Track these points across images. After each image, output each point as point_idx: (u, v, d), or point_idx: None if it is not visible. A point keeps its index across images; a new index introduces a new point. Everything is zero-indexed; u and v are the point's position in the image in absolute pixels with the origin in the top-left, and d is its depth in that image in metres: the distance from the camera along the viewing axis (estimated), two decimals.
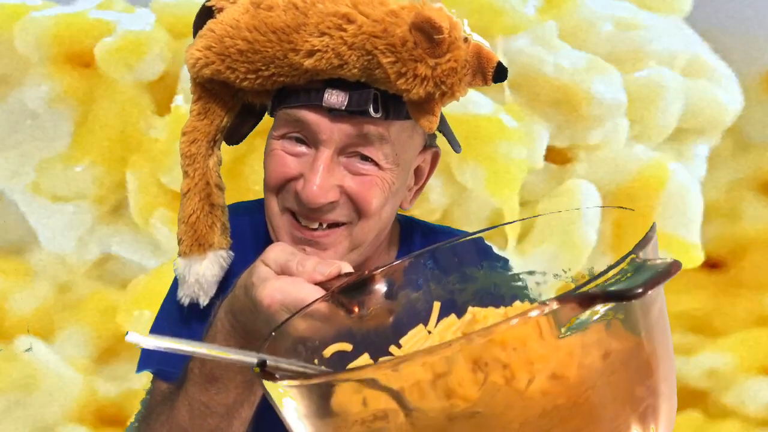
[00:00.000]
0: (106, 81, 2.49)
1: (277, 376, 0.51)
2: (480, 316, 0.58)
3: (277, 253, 0.74)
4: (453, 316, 0.61)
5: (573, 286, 0.61)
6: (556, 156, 2.60)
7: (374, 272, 0.68)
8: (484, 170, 2.38)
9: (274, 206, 0.90)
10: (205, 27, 0.88)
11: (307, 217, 0.88)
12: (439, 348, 0.46)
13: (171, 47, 2.47)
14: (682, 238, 2.47)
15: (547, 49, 2.48)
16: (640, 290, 0.45)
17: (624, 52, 2.62)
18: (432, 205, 2.42)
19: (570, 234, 2.29)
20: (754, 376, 2.72)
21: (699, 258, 2.53)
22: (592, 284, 0.47)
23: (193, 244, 0.92)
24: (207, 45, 0.87)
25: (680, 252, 2.43)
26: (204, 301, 0.92)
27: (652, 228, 0.53)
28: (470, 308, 0.59)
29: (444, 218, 2.46)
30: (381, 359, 0.57)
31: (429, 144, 0.95)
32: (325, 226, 0.89)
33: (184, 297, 0.93)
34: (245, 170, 2.31)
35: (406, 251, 0.98)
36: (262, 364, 0.53)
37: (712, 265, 2.89)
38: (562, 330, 0.46)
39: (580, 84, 2.46)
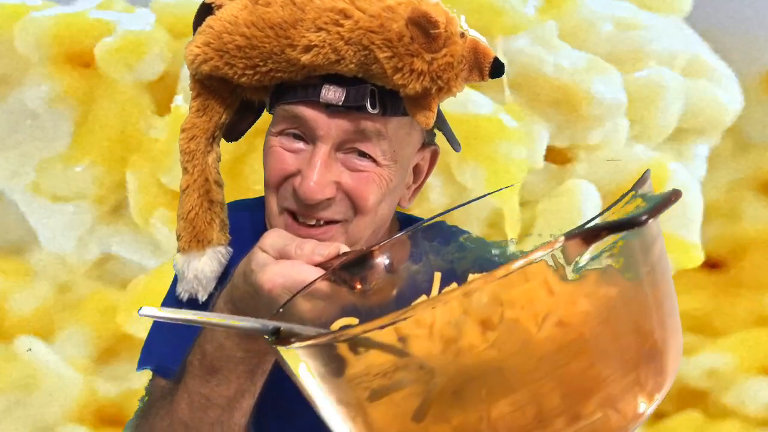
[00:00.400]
0: (106, 81, 2.48)
1: (293, 340, 0.52)
2: None
3: (273, 238, 0.75)
4: (454, 284, 0.61)
5: None
6: (556, 156, 2.60)
7: (373, 248, 0.69)
8: (484, 170, 2.38)
9: (273, 205, 0.91)
10: (204, 23, 0.89)
11: (304, 215, 0.88)
12: (452, 293, 0.47)
13: (171, 47, 2.47)
14: (682, 238, 2.46)
15: (547, 49, 2.48)
16: (644, 217, 0.46)
17: (624, 52, 2.62)
18: (432, 205, 2.42)
19: None
20: (754, 376, 2.72)
21: (699, 258, 2.53)
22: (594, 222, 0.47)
23: (192, 240, 0.92)
24: (205, 41, 0.87)
25: (680, 252, 2.43)
26: (203, 297, 0.93)
27: (647, 171, 0.54)
28: (471, 275, 0.61)
29: (444, 218, 2.46)
30: (395, 312, 0.58)
31: (428, 142, 0.95)
32: (321, 223, 0.89)
33: (183, 293, 0.93)
34: (245, 170, 2.30)
35: None
36: (276, 332, 0.53)
37: (712, 265, 2.89)
38: (569, 269, 0.47)
39: (580, 84, 2.46)
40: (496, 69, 0.84)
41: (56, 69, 2.50)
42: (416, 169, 0.96)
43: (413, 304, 0.50)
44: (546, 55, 2.46)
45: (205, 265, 0.92)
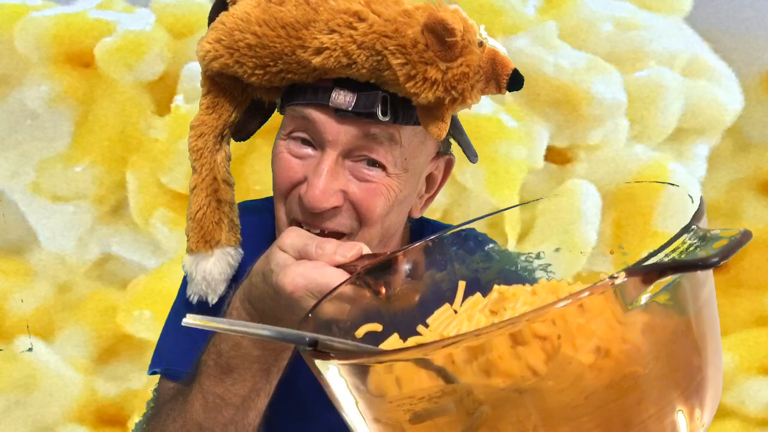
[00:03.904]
0: (106, 81, 2.49)
1: (332, 355, 0.50)
2: (509, 293, 0.57)
3: (293, 238, 0.73)
4: (478, 294, 0.60)
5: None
6: (556, 156, 2.60)
7: (397, 253, 0.67)
8: (484, 170, 2.38)
9: (282, 215, 0.89)
10: (217, 19, 0.87)
11: (309, 224, 0.86)
12: (511, 322, 0.46)
13: (171, 47, 2.47)
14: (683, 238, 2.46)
15: (547, 49, 2.48)
16: (715, 260, 0.44)
17: (624, 52, 2.62)
18: (432, 205, 2.41)
19: (570, 234, 2.29)
20: (754, 376, 2.71)
21: None
22: (657, 256, 0.45)
23: (200, 240, 0.90)
24: (217, 38, 0.85)
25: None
26: (213, 299, 0.91)
27: (702, 201, 0.52)
28: (496, 286, 0.59)
29: (444, 218, 2.46)
30: (450, 336, 0.56)
31: (443, 151, 0.93)
32: (327, 233, 0.87)
33: (192, 295, 0.91)
34: (245, 170, 2.31)
35: None
36: (314, 343, 0.52)
37: None
38: (627, 305, 0.45)
39: (580, 84, 2.46)
40: (515, 81, 0.80)
41: (56, 69, 2.50)
42: (429, 179, 0.93)
43: (483, 327, 0.48)
44: (546, 55, 2.46)
45: (213, 267, 0.90)
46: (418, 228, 1.03)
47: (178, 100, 2.39)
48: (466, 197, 2.49)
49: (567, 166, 2.61)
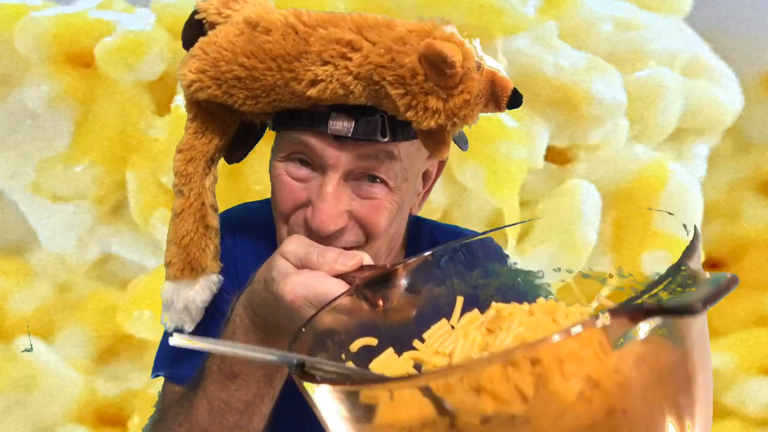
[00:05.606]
0: (106, 81, 2.48)
1: (317, 378, 0.50)
2: (505, 312, 0.57)
3: (295, 246, 0.73)
4: (476, 311, 0.60)
5: (597, 283, 0.61)
6: (556, 156, 2.60)
7: (397, 266, 0.66)
8: (484, 170, 2.38)
9: (284, 235, 0.87)
10: (197, 46, 0.83)
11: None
12: (495, 357, 0.46)
13: (171, 47, 2.47)
14: (682, 238, 2.46)
15: (547, 49, 2.48)
16: (699, 306, 0.44)
17: (624, 52, 2.62)
18: (432, 205, 2.42)
19: (570, 234, 2.29)
20: (754, 376, 2.72)
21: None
22: (644, 297, 0.46)
23: (185, 267, 0.87)
24: (201, 68, 0.81)
25: (680, 252, 2.42)
26: (189, 328, 0.88)
27: (696, 236, 0.52)
28: (493, 303, 0.58)
29: (444, 218, 2.46)
30: (430, 368, 0.56)
31: None
32: None
33: (169, 323, 0.88)
34: (245, 170, 2.31)
35: (413, 252, 0.97)
36: (301, 364, 0.52)
37: (712, 265, 2.89)
38: (618, 342, 0.45)
39: (580, 84, 2.46)
40: (514, 101, 0.78)
41: (56, 69, 2.50)
42: (425, 175, 0.94)
43: (476, 359, 0.47)
44: (546, 55, 2.46)
45: (197, 295, 0.87)
46: (415, 227, 1.03)
47: (178, 100, 2.38)
48: (466, 197, 2.49)
49: (567, 166, 2.61)
